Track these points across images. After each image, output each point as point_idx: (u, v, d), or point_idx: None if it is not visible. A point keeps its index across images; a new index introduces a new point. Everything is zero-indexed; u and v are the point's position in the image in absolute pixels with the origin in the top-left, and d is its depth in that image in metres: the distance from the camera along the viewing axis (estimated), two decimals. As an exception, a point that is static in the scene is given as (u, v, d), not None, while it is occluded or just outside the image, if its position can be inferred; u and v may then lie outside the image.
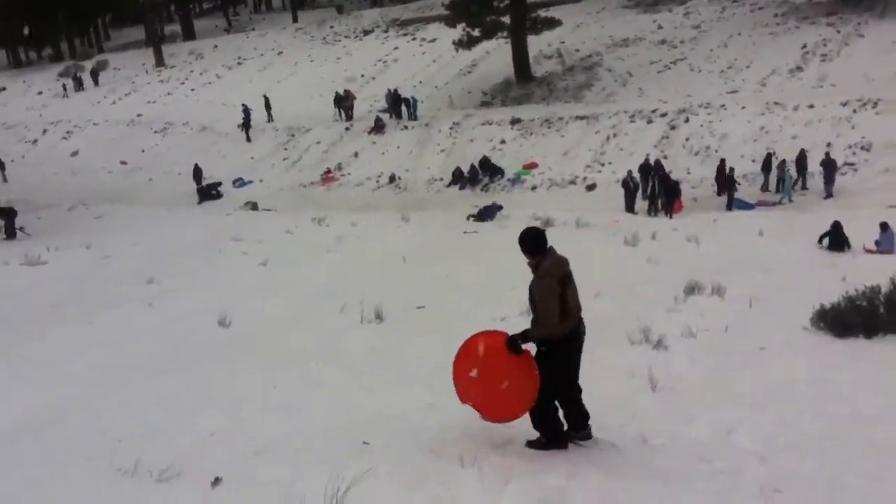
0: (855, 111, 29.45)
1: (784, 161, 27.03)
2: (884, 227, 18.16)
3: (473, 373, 6.53)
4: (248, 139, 41.60)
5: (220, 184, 37.23)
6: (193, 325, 12.42)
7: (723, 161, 27.91)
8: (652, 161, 29.12)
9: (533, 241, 6.45)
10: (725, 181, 27.14)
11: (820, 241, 18.86)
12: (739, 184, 27.03)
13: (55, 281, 17.79)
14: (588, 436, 6.70)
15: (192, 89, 53.48)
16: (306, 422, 7.68)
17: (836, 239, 18.70)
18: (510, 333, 6.44)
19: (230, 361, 10.28)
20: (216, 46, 62.01)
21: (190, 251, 21.14)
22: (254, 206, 33.35)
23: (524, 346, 6.37)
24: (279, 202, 34.03)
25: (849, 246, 18.47)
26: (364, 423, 7.44)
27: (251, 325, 12.32)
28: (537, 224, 19.83)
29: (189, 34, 70.01)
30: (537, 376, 6.30)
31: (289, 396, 8.61)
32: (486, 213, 26.78)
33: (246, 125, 41.78)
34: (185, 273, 17.67)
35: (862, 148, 27.55)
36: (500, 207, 27.49)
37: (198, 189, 37.00)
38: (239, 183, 37.88)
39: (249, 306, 13.58)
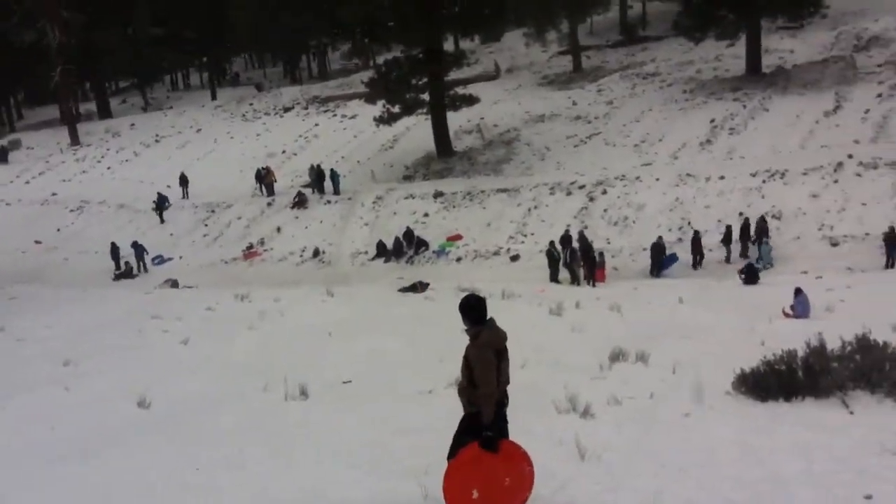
0: (764, 181, 30.65)
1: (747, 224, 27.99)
2: (797, 292, 18.74)
3: (475, 494, 6.44)
4: (162, 221, 40.99)
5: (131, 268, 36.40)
6: (111, 408, 12.00)
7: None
8: (574, 232, 29.63)
9: (473, 309, 6.54)
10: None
11: (739, 274, 24.59)
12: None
13: (-37, 365, 17.03)
14: None
15: (109, 167, 52.63)
16: (229, 504, 7.47)
17: (750, 275, 24.26)
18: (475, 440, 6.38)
19: (149, 443, 9.94)
20: (133, 124, 61.37)
21: (108, 331, 20.50)
22: (174, 284, 32.67)
23: (490, 436, 6.34)
24: (200, 279, 33.43)
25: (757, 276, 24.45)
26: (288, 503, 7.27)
27: (172, 406, 11.96)
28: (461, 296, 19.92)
29: (105, 112, 69.15)
30: (524, 453, 6.30)
31: (210, 478, 8.36)
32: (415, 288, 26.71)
33: (160, 208, 41.34)
34: (103, 353, 17.09)
35: (773, 217, 28.55)
36: (426, 285, 27.29)
37: (118, 270, 36.26)
38: (158, 260, 37.19)
39: (170, 386, 13.20)
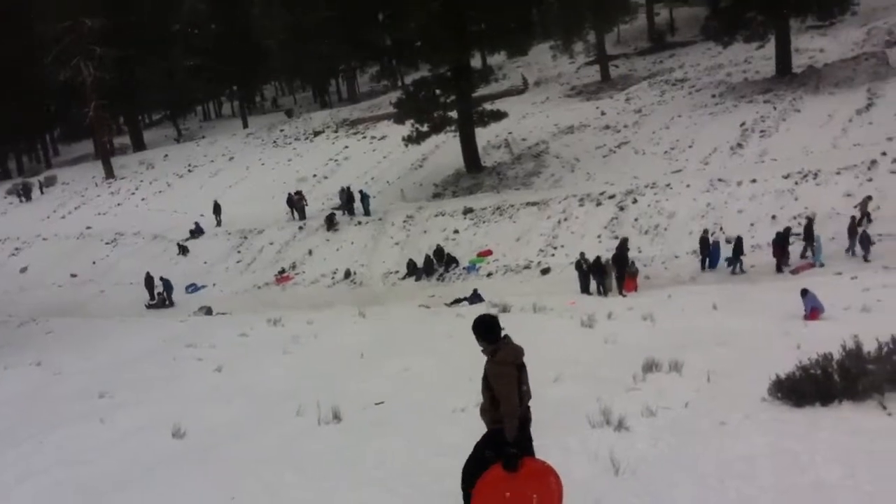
0: (797, 183, 30.25)
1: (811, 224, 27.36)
2: (803, 293, 18.51)
3: None
4: (183, 253, 41.40)
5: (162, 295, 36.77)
6: (147, 439, 12.07)
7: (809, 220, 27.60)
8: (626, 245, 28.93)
9: (487, 328, 6.48)
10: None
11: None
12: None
13: (4, 402, 17.29)
14: None
15: (143, 199, 53.38)
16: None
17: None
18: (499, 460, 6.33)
19: (185, 473, 9.97)
20: (167, 155, 62.18)
21: (143, 361, 20.70)
22: (208, 311, 32.95)
23: (514, 453, 6.27)
24: (234, 305, 33.69)
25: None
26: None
27: (207, 434, 11.99)
28: (494, 311, 19.86)
29: (139, 145, 70.19)
30: (549, 467, 6.29)
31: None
32: (475, 299, 26.92)
33: (194, 237, 42.21)
34: (139, 384, 17.25)
35: (806, 218, 28.13)
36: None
37: (152, 301, 36.65)
38: (192, 288, 37.52)
39: (205, 414, 13.26)
